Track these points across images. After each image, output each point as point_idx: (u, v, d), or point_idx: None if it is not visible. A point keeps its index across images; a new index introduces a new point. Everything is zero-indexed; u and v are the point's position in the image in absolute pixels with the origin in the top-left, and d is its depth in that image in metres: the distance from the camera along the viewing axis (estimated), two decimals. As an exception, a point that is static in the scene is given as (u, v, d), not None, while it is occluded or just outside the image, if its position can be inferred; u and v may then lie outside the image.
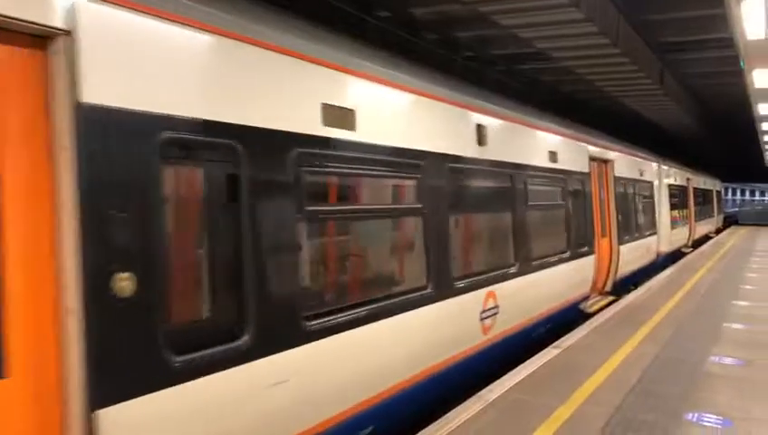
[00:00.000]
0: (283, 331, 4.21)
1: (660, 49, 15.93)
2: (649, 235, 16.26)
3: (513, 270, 7.85)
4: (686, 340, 8.43)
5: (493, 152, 7.53)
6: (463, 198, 6.97)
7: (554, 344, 8.13)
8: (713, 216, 33.91)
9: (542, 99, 18.07)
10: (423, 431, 5.19)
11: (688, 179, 24.55)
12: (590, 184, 11.43)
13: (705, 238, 28.79)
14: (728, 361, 7.41)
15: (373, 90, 5.45)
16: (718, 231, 35.25)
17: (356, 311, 4.96)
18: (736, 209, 56.92)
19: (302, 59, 4.59)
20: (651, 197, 17.10)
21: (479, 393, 6.11)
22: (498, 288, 7.32)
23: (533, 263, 8.45)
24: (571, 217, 10.13)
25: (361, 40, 6.57)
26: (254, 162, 4.04)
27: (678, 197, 21.65)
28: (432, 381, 5.99)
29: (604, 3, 11.48)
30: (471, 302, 6.75)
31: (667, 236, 18.76)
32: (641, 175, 15.98)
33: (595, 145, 12.09)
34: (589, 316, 10.23)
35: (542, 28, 11.22)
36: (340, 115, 4.85)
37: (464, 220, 7.12)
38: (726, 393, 6.24)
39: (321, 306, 4.67)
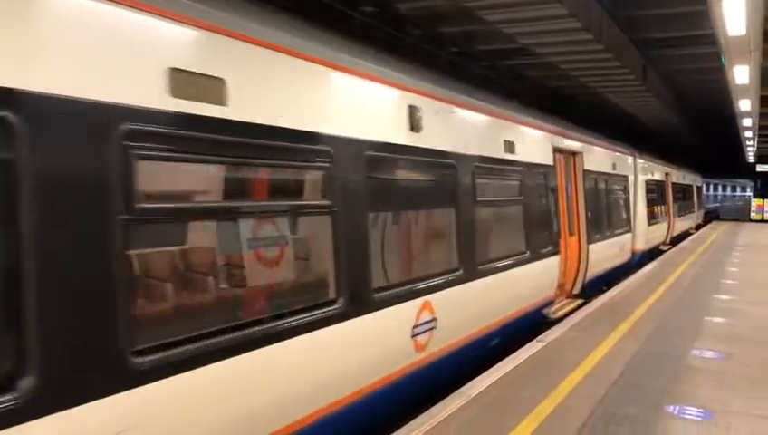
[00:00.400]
0: (99, 372, 3.17)
1: (643, 45, 16.04)
2: (623, 232, 15.45)
3: (455, 276, 6.83)
4: (667, 334, 8.51)
5: (430, 140, 6.43)
6: (389, 194, 5.96)
7: (538, 338, 8.17)
8: (693, 211, 32.94)
9: (528, 94, 18.14)
10: (405, 427, 5.19)
11: (667, 174, 23.70)
12: (555, 178, 10.59)
13: (685, 235, 27.99)
14: (709, 354, 7.49)
15: (258, 55, 4.35)
16: (698, 227, 34.42)
17: (219, 338, 3.84)
18: (718, 205, 57.58)
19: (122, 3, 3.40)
20: (626, 192, 16.31)
21: (461, 389, 6.12)
22: (436, 298, 6.31)
23: (482, 267, 7.45)
24: (531, 215, 9.21)
25: (348, 36, 6.42)
26: (41, 142, 2.96)
27: (656, 192, 20.63)
28: (346, 414, 4.98)
29: (588, -1, 11.52)
30: (398, 316, 5.72)
31: (644, 233, 17.94)
32: (614, 169, 15.16)
33: (561, 135, 11.25)
34: (554, 323, 9.46)
35: (527, 24, 11.24)
36: (200, 85, 3.84)
37: (389, 220, 6.05)
38: (707, 386, 6.30)
39: (162, 336, 3.54)
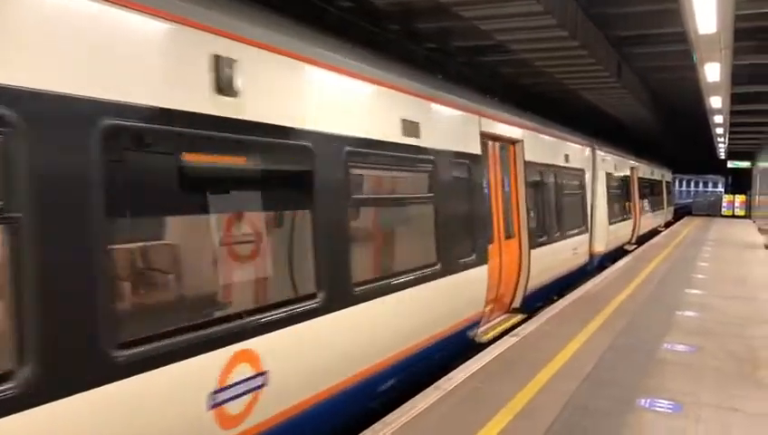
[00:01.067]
0: None
1: (617, 42, 16.21)
2: (578, 233, 13.69)
3: (307, 307, 4.78)
4: (639, 328, 8.64)
5: (254, 109, 4.37)
6: (160, 188, 3.96)
7: (512, 333, 8.24)
8: (662, 208, 30.97)
9: (504, 91, 18.23)
10: (381, 421, 5.21)
11: (633, 168, 21.93)
12: (484, 171, 8.64)
13: (654, 233, 26.56)
14: (680, 348, 7.62)
15: None
16: (668, 224, 33.10)
17: None
18: (690, 200, 58.48)
19: None
20: (582, 187, 14.59)
21: (437, 383, 6.16)
22: (266, 342, 4.32)
23: (361, 289, 5.47)
24: (444, 217, 7.16)
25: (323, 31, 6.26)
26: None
27: (620, 187, 19.13)
28: None
29: (563, -4, 11.61)
30: (175, 381, 3.68)
31: (604, 233, 16.19)
32: (568, 161, 13.37)
33: (493, 118, 9.08)
34: (484, 346, 7.90)
35: (503, 20, 11.30)
36: None
37: (165, 229, 4.08)
38: (677, 379, 6.42)
39: None
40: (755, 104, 21.26)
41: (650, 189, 26.64)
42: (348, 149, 5.39)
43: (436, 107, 7.26)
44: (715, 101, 14.07)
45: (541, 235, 10.92)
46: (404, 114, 6.42)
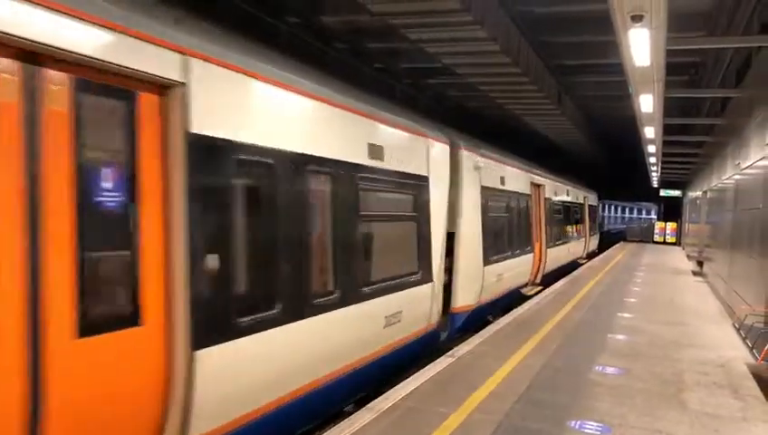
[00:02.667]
0: None
1: (558, 71, 16.72)
2: (398, 288, 7.73)
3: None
4: (572, 350, 8.82)
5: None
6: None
7: (448, 353, 8.29)
8: (581, 237, 25.77)
9: (449, 114, 18.50)
10: (313, 442, 5.04)
11: (537, 185, 17.04)
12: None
13: (571, 267, 22.15)
14: (610, 370, 7.81)
15: None
16: (592, 256, 29.10)
17: None
18: (624, 226, 60.43)
19: None
20: (421, 208, 8.57)
21: (370, 404, 6.13)
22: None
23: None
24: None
25: (273, 47, 6.29)
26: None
27: (512, 210, 13.83)
28: None
29: (507, 23, 11.93)
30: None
31: (475, 277, 10.88)
32: (374, 157, 7.24)
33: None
34: None
35: (448, 44, 11.53)
36: None
37: None
38: (607, 401, 6.57)
39: None
40: (686, 135, 22.23)
41: (566, 214, 21.91)
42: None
43: None
44: (649, 132, 14.62)
45: (287, 312, 5.43)
46: None
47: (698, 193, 25.08)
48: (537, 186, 17.05)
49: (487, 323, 11.42)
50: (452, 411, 6.00)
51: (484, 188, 11.41)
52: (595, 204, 32.13)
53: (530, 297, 14.14)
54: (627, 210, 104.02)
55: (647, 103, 10.68)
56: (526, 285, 15.46)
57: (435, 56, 12.64)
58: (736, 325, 9.08)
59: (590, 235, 28.98)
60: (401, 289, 7.72)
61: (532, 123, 21.16)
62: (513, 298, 13.94)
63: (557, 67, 16.34)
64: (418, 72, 16.84)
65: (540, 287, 16.21)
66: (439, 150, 9.18)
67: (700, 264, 21.99)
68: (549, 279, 18.02)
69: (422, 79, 17.82)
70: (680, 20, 11.33)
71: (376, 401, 6.22)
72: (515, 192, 14.23)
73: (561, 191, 20.91)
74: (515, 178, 14.32)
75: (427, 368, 7.53)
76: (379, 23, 11.41)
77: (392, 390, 6.59)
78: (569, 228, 22.48)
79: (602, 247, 35.10)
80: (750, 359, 8.51)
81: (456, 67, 13.47)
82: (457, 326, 10.14)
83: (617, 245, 38.98)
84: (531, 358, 8.24)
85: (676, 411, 6.34)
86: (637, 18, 5.97)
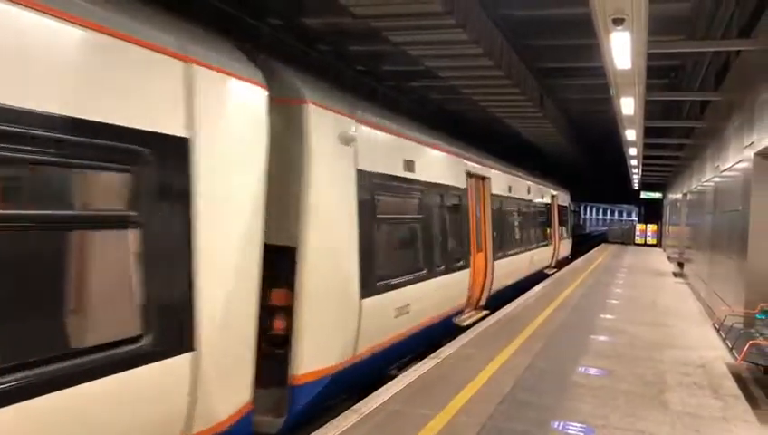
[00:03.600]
0: None
1: (540, 74, 16.80)
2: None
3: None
4: (555, 352, 8.86)
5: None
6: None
7: (432, 355, 8.29)
8: (548, 243, 21.55)
9: (431, 116, 18.52)
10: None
11: (479, 177, 12.89)
12: None
13: (535, 279, 18.59)
14: (592, 371, 7.85)
15: None
16: (563, 263, 25.01)
17: None
18: (606, 229, 60.95)
19: None
20: (155, 205, 4.16)
21: (355, 406, 6.11)
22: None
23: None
24: None
25: (256, 47, 6.22)
26: None
27: (432, 210, 9.71)
28: None
29: (490, 27, 11.98)
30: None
31: (325, 325, 6.38)
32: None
33: None
34: None
35: (430, 47, 11.54)
36: None
37: None
38: (590, 402, 6.60)
39: None
40: (666, 138, 22.47)
41: (525, 216, 17.59)
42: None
43: None
44: (630, 134, 14.73)
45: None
46: None
47: (679, 195, 25.34)
48: (480, 178, 12.88)
49: (389, 377, 7.78)
50: (436, 414, 6.00)
51: (364, 175, 7.23)
52: (566, 204, 27.82)
53: (467, 328, 10.54)
54: (608, 212, 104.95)
55: (628, 106, 10.76)
56: (461, 312, 11.18)
57: (417, 59, 12.64)
58: (716, 326, 9.17)
59: (561, 239, 24.48)
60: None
61: (513, 126, 21.25)
62: (437, 335, 9.97)
63: (539, 70, 16.43)
64: (401, 74, 16.84)
65: (482, 313, 12.06)
66: (232, 92, 4.93)
67: (681, 265, 22.21)
68: (513, 291, 15.13)
69: (405, 81, 17.83)
70: (661, 24, 11.45)
71: (360, 403, 6.20)
72: (436, 184, 9.81)
73: (518, 187, 16.71)
74: (437, 164, 10.02)
75: (411, 370, 7.53)
76: (361, 25, 11.40)
77: (374, 394, 6.57)
78: (531, 233, 18.28)
79: (585, 249, 35.25)
80: (729, 359, 8.59)
81: (438, 70, 13.48)
82: (304, 406, 5.98)
83: (599, 247, 39.30)
84: (515, 359, 8.26)
85: (659, 412, 6.39)
86: (618, 21, 6.00)
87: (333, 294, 6.49)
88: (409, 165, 8.74)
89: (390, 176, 8.10)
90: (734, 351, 7.42)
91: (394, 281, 7.95)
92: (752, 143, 9.12)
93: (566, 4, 11.90)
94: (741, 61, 10.77)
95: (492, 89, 15.13)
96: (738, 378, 7.82)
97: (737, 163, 10.40)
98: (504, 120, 20.32)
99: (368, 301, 7.11)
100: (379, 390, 6.69)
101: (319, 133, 6.23)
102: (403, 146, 8.60)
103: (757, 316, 8.52)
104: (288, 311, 5.91)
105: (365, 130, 7.37)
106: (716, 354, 9.04)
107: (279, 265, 5.84)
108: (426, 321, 9.22)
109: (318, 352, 6.18)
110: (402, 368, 8.33)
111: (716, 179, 13.23)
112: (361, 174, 7.17)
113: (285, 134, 5.96)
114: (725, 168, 11.83)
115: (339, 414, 5.97)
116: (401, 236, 8.66)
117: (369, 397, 6.43)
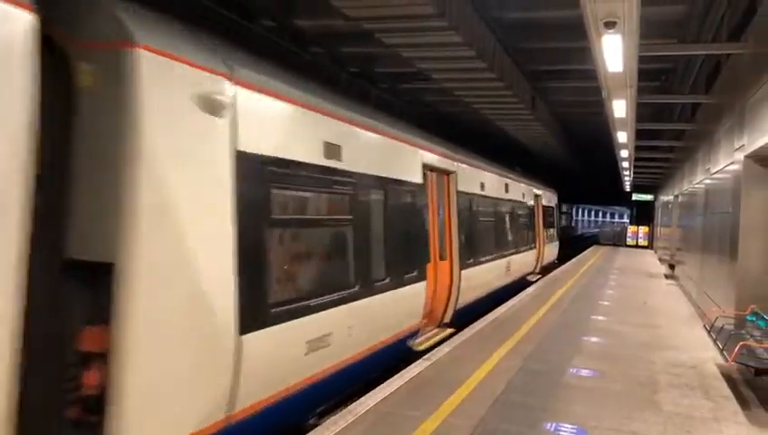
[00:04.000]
0: None
1: (532, 76, 16.85)
2: None
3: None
4: (547, 353, 8.88)
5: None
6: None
7: (425, 357, 8.29)
8: (531, 247, 19.70)
9: (423, 117, 18.54)
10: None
11: (442, 172, 10.89)
12: None
13: (516, 288, 16.52)
14: (585, 372, 7.87)
15: None
16: (548, 269, 22.55)
17: None
18: (597, 230, 61.14)
19: None
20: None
21: (348, 407, 6.11)
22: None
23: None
24: None
25: (247, 49, 6.19)
26: None
27: (371, 208, 7.74)
28: None
29: (483, 29, 12.01)
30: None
31: (168, 376, 4.28)
32: None
33: None
34: None
35: (423, 49, 11.55)
36: None
37: None
38: (582, 403, 6.62)
39: None
40: (657, 140, 22.57)
41: (502, 217, 15.60)
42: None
43: None
44: (622, 136, 14.81)
45: None
46: None
47: (670, 197, 25.45)
48: (443, 172, 10.91)
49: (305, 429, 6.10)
50: (428, 416, 6.00)
51: (250, 160, 5.20)
52: (552, 204, 25.63)
53: (426, 352, 8.83)
54: (600, 214, 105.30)
55: (619, 108, 10.81)
56: (416, 333, 9.29)
57: (410, 61, 12.65)
58: (707, 327, 9.22)
59: (546, 243, 22.44)
60: None
61: (505, 127, 21.30)
62: (382, 364, 8.14)
63: (531, 72, 16.48)
64: (394, 76, 16.86)
65: (447, 331, 10.34)
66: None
67: (672, 267, 22.31)
68: (491, 302, 13.51)
69: (397, 83, 17.85)
70: (652, 27, 11.51)
71: (351, 405, 6.20)
72: (375, 177, 7.84)
73: (494, 185, 14.59)
74: (378, 152, 8.01)
75: (403, 372, 7.52)
76: (354, 27, 11.40)
77: (367, 395, 6.56)
78: (509, 237, 16.29)
79: (577, 251, 35.32)
80: (720, 360, 8.64)
81: (431, 72, 13.49)
82: None
83: (591, 248, 39.42)
84: (507, 360, 8.28)
85: (651, 413, 6.41)
86: (610, 24, 6.03)
87: (185, 331, 4.39)
88: (332, 151, 6.59)
89: (299, 163, 5.96)
90: (724, 352, 7.46)
91: (304, 304, 5.89)
92: (742, 146, 9.18)
93: (558, 7, 11.95)
94: (731, 64, 10.84)
95: (484, 91, 15.15)
96: (729, 379, 7.86)
97: (728, 165, 10.47)
98: (497, 122, 20.36)
99: (253, 336, 5.03)
100: (370, 392, 6.68)
101: (159, 94, 4.22)
102: (323, 125, 6.47)
103: (747, 318, 8.57)
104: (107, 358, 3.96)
105: (253, 96, 5.29)
106: (707, 355, 9.08)
107: (93, 291, 3.98)
108: (361, 352, 7.15)
109: (156, 418, 4.18)
110: (325, 415, 6.53)
111: (707, 182, 13.30)
112: (245, 158, 5.08)
113: (103, 95, 4.04)
114: (716, 170, 11.90)
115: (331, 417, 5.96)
116: (319, 244, 6.53)
117: (361, 399, 6.42)
